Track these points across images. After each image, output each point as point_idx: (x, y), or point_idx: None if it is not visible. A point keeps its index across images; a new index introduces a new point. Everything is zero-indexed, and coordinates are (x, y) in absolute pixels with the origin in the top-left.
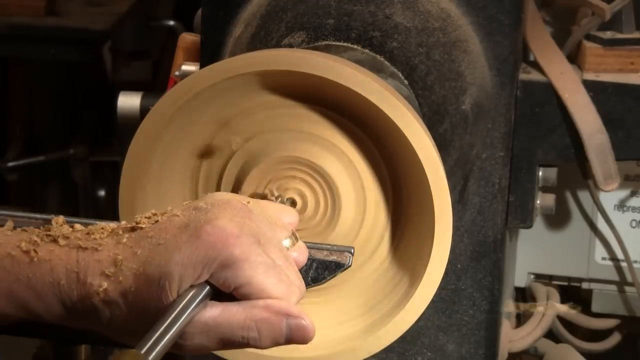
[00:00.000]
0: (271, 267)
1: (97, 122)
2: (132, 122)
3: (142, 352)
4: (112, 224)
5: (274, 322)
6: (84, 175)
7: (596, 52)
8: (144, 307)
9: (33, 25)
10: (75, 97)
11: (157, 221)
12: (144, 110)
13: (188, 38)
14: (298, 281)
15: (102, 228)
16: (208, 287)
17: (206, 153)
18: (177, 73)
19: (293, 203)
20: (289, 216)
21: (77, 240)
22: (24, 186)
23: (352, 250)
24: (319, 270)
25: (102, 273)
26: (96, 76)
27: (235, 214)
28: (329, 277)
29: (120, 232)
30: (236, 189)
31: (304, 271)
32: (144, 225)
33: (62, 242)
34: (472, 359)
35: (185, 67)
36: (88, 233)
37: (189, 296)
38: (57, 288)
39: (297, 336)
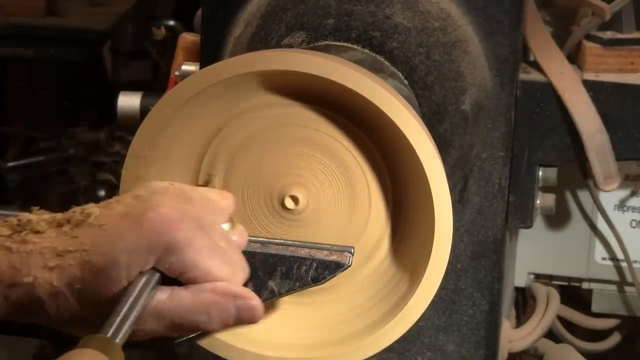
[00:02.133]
0: (215, 250)
1: (97, 122)
2: (132, 122)
3: (108, 335)
4: (48, 215)
5: (222, 304)
6: (84, 175)
7: (596, 52)
8: (93, 297)
9: (33, 25)
10: (75, 97)
11: (91, 213)
12: (144, 110)
13: (188, 38)
14: (242, 262)
15: (42, 220)
16: (158, 274)
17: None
18: (177, 73)
19: (295, 200)
20: (226, 200)
21: (16, 233)
22: (24, 186)
23: (352, 250)
24: (319, 270)
25: (45, 265)
26: (96, 76)
27: (176, 200)
28: (329, 277)
29: (61, 223)
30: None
31: (304, 271)
32: (81, 217)
33: (3, 236)
34: (472, 359)
35: (186, 67)
36: (28, 225)
37: (142, 282)
38: (0, 282)
39: (246, 316)
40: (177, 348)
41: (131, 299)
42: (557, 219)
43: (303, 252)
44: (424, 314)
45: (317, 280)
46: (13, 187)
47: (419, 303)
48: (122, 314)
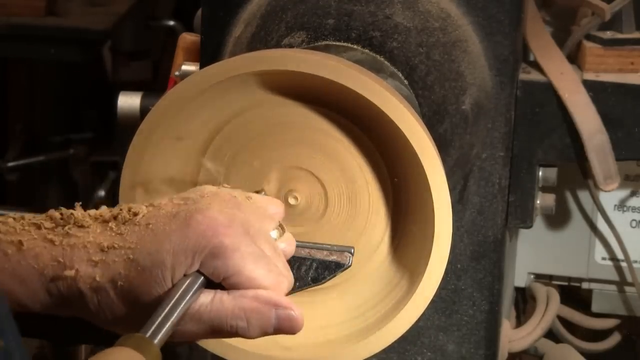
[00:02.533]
0: (260, 258)
1: (97, 122)
2: (132, 122)
3: (147, 335)
4: (93, 211)
5: (263, 312)
6: (84, 175)
7: (596, 52)
8: (135, 295)
9: (33, 25)
10: (75, 97)
11: (138, 212)
12: (144, 110)
13: (188, 38)
14: (286, 272)
15: (87, 214)
16: (202, 277)
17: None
18: (177, 73)
19: (295, 199)
20: (275, 207)
21: (62, 227)
22: (24, 186)
23: (352, 250)
24: (319, 270)
25: (89, 259)
26: (96, 76)
27: (225, 205)
28: (329, 277)
29: (107, 219)
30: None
31: (304, 271)
32: (128, 215)
33: (46, 228)
34: (472, 359)
35: (186, 67)
36: (74, 220)
37: (185, 284)
38: (43, 275)
39: (285, 326)
40: (177, 348)
41: (174, 301)
42: (557, 219)
43: (303, 252)
44: (423, 314)
45: (317, 280)
46: (13, 187)
47: (419, 303)
48: (163, 314)
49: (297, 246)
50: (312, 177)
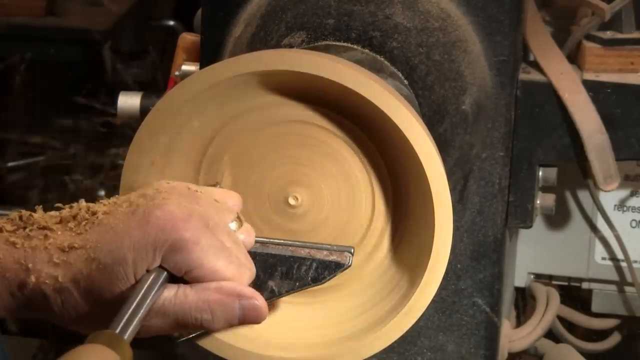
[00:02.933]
0: (221, 250)
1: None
2: (133, 122)
3: (117, 331)
4: (52, 212)
5: (226, 303)
6: (83, 176)
7: (596, 52)
8: (99, 293)
9: (33, 25)
10: (75, 97)
11: (97, 211)
12: (144, 110)
13: (188, 38)
14: (248, 262)
15: (47, 216)
16: (165, 272)
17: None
18: (177, 73)
19: (296, 199)
20: (233, 199)
21: (22, 229)
22: (24, 186)
23: (352, 250)
24: (319, 270)
25: (51, 260)
26: (96, 76)
27: (183, 199)
28: (328, 277)
29: (66, 219)
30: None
31: (304, 271)
32: (87, 214)
33: (7, 231)
34: (472, 358)
35: (186, 67)
36: (33, 222)
37: (150, 280)
38: (5, 278)
39: (250, 316)
40: (177, 348)
41: (140, 297)
42: (557, 219)
43: (303, 252)
44: (423, 314)
45: (317, 280)
46: (13, 188)
47: (419, 303)
48: (130, 310)
49: (297, 246)
50: (312, 177)
